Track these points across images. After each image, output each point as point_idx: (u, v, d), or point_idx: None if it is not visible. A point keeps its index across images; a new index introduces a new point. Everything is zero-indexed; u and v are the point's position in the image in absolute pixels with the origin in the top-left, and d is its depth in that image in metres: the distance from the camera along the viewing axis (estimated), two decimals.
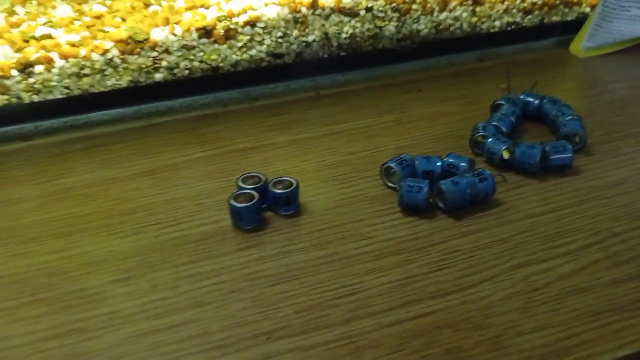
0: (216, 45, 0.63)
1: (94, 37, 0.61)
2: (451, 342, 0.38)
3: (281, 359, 0.37)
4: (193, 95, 0.67)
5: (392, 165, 0.51)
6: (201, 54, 0.63)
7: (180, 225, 0.49)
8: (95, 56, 0.60)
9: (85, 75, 0.60)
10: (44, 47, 0.59)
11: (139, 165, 0.56)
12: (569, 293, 0.41)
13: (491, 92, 0.65)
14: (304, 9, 0.65)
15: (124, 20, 0.64)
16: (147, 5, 0.66)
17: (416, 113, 0.64)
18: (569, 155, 0.53)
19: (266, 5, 0.65)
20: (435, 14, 0.70)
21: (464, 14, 0.71)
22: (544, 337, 0.38)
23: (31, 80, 0.59)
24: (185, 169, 0.56)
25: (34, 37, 0.62)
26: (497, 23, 0.74)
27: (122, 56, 0.61)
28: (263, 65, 0.66)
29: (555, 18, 0.76)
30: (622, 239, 0.46)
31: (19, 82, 0.59)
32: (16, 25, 0.64)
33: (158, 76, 0.63)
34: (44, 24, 0.64)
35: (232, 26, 0.63)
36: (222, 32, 0.63)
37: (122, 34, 0.61)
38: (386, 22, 0.68)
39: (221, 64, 0.64)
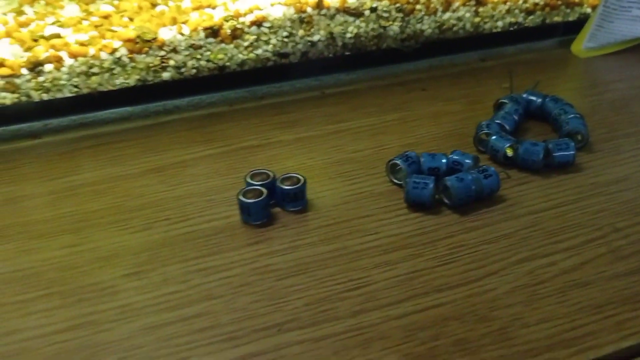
0: (223, 45, 0.64)
1: (103, 37, 0.62)
2: (458, 333, 0.39)
3: (292, 350, 0.38)
4: (200, 94, 0.68)
5: (398, 162, 0.52)
6: (208, 53, 0.64)
7: (189, 221, 0.49)
8: (103, 55, 0.61)
9: (94, 74, 0.61)
10: (53, 47, 0.60)
11: (147, 162, 0.57)
12: (572, 286, 0.42)
13: (494, 92, 0.65)
14: (309, 9, 0.66)
15: (131, 20, 0.64)
16: (154, 5, 0.67)
17: (420, 112, 0.65)
18: (572, 152, 0.54)
19: (272, 5, 0.65)
20: (439, 14, 0.71)
21: (467, 14, 0.72)
22: (548, 329, 0.39)
23: (41, 78, 0.60)
24: (193, 166, 0.56)
25: (43, 37, 0.62)
26: (500, 23, 0.74)
27: (130, 55, 0.62)
28: (269, 65, 0.67)
29: (557, 18, 0.77)
30: (624, 234, 0.47)
31: (28, 80, 0.60)
32: (25, 24, 0.65)
33: (166, 75, 0.63)
34: (53, 23, 0.65)
35: (238, 26, 0.64)
36: (229, 31, 0.64)
37: (131, 33, 0.61)
38: (390, 22, 0.69)
39: (228, 63, 0.65)
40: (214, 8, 0.66)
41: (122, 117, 0.65)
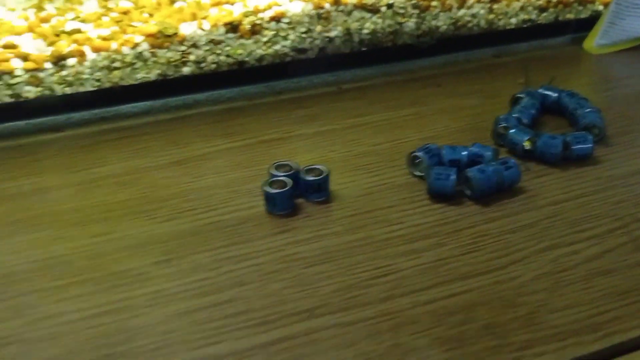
0: (242, 40, 0.65)
1: (124, 32, 0.63)
2: (486, 318, 0.40)
3: (325, 334, 0.39)
4: (219, 89, 0.68)
5: (419, 154, 0.53)
6: (228, 48, 0.65)
7: (215, 211, 0.50)
8: (125, 50, 0.62)
9: (116, 68, 0.62)
10: (76, 41, 0.61)
11: (170, 155, 0.58)
12: (596, 274, 0.43)
13: (509, 87, 0.66)
14: (327, 5, 0.67)
15: (151, 15, 0.65)
16: (172, 1, 0.68)
17: (436, 106, 0.66)
18: (590, 145, 0.55)
19: (291, 1, 0.66)
20: (454, 10, 0.72)
21: (482, 11, 0.73)
22: (574, 314, 0.40)
23: (64, 72, 0.61)
24: (215, 158, 0.57)
25: (64, 32, 0.63)
26: (513, 20, 0.75)
27: (151, 50, 0.62)
28: (287, 60, 0.68)
29: (570, 16, 0.78)
30: None
31: (52, 74, 0.60)
32: (46, 20, 0.65)
33: (186, 70, 0.64)
34: (73, 19, 0.66)
35: (257, 21, 0.65)
36: (248, 27, 0.65)
37: (152, 28, 0.62)
38: (406, 19, 0.70)
39: (246, 59, 0.66)
40: (232, 4, 0.67)
41: (142, 111, 0.66)
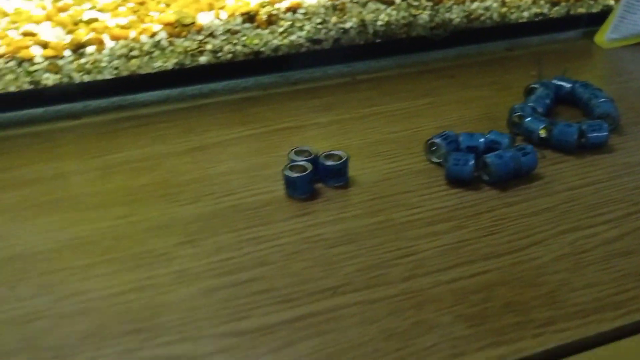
0: (259, 30, 0.66)
1: (142, 21, 0.63)
2: (508, 297, 0.40)
3: (349, 310, 0.39)
4: (235, 78, 0.69)
5: (437, 140, 0.53)
6: (244, 38, 0.66)
7: (235, 195, 0.51)
8: (144, 38, 0.62)
9: (134, 56, 0.63)
10: (94, 29, 0.62)
11: (188, 142, 0.58)
12: (615, 255, 0.44)
13: (521, 79, 0.67)
14: None
15: (168, 5, 0.66)
16: None
17: (450, 97, 0.66)
18: (605, 133, 0.55)
19: None
20: (467, 3, 0.73)
21: (494, 4, 0.74)
22: (595, 293, 0.40)
23: (82, 60, 0.61)
24: (233, 145, 0.58)
25: (82, 21, 0.64)
26: (526, 14, 0.76)
27: (169, 39, 0.63)
28: (302, 51, 0.69)
29: (581, 10, 0.79)
30: None
31: (71, 62, 0.61)
32: (63, 9, 0.66)
33: (202, 59, 0.65)
34: (90, 9, 0.66)
35: (274, 12, 0.65)
36: (264, 17, 0.65)
37: (170, 17, 0.63)
38: (420, 11, 0.71)
39: (262, 49, 0.67)
40: None
41: (159, 99, 0.66)
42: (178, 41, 0.63)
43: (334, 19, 0.68)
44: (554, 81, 0.63)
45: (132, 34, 0.62)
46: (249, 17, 0.65)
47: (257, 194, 0.51)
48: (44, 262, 0.44)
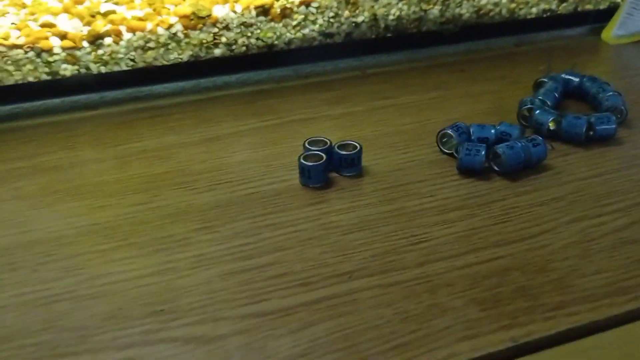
0: (272, 24, 0.67)
1: (158, 13, 0.64)
2: (519, 282, 0.41)
3: (365, 294, 0.41)
4: (248, 71, 0.70)
5: (449, 131, 0.54)
6: (258, 31, 0.67)
7: (251, 183, 0.52)
8: (160, 30, 0.63)
9: (150, 48, 0.64)
10: (111, 21, 0.63)
11: (204, 132, 0.60)
12: (623, 243, 0.45)
13: (530, 74, 0.68)
14: None
15: None
16: None
17: (460, 91, 0.67)
18: (613, 126, 0.56)
19: None
20: None
21: (504, 0, 0.75)
22: (604, 279, 0.41)
23: (100, 51, 0.62)
24: (248, 136, 0.59)
25: (99, 13, 0.65)
26: (534, 10, 0.77)
27: (185, 31, 0.64)
28: (314, 44, 0.70)
29: (589, 6, 0.80)
30: None
31: (88, 53, 0.62)
32: (80, 2, 0.67)
33: (217, 52, 0.66)
34: (106, 1, 0.67)
35: (288, 5, 0.66)
36: (279, 10, 0.66)
37: (187, 9, 0.64)
38: (431, 6, 0.72)
39: (276, 42, 0.68)
40: None
41: (174, 91, 0.68)
42: (194, 33, 0.64)
43: (346, 13, 0.69)
44: (563, 75, 0.64)
45: (149, 26, 0.62)
46: (264, 10, 0.66)
47: (273, 182, 0.52)
48: (65, 247, 0.45)
